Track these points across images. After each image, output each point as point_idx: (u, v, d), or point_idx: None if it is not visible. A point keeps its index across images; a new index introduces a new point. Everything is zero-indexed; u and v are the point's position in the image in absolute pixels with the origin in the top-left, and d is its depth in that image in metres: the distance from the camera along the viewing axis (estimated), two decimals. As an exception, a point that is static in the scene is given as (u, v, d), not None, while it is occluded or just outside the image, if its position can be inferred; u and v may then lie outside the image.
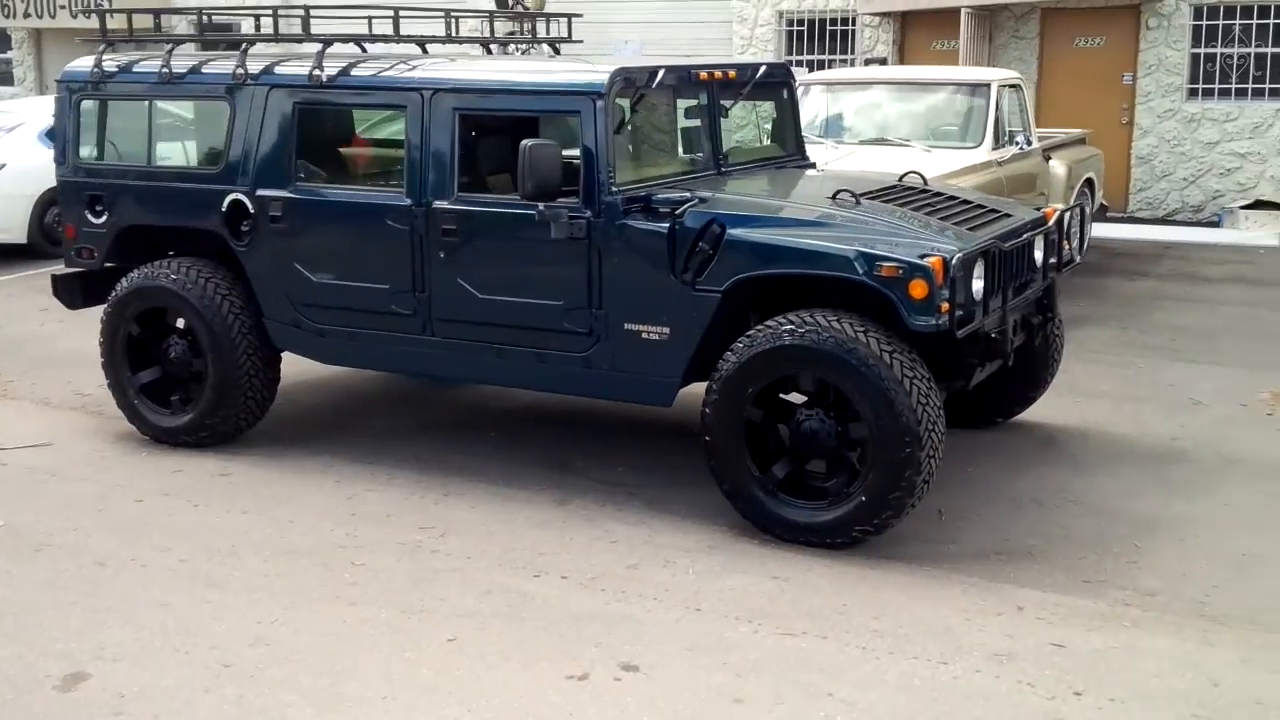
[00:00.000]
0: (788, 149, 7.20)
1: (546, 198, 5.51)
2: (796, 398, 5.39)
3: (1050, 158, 11.02)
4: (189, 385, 6.71)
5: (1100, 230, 12.94)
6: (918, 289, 5.09)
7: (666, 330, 5.61)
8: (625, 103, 5.83)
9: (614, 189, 5.60)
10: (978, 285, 5.40)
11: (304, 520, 5.67)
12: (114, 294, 6.74)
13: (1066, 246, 6.53)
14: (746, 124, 7.67)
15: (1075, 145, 12.06)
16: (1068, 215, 6.38)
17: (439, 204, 5.94)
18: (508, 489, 6.07)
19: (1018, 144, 10.17)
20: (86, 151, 6.90)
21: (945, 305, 5.12)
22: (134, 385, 6.81)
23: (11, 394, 7.82)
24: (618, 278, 5.66)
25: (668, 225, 5.53)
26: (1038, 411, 7.03)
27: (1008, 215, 6.17)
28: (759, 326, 5.36)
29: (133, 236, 6.84)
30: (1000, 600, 4.84)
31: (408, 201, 6.00)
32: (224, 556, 5.26)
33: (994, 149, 9.88)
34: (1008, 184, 9.80)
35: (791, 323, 5.26)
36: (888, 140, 9.99)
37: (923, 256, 5.14)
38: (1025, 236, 5.86)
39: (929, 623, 4.64)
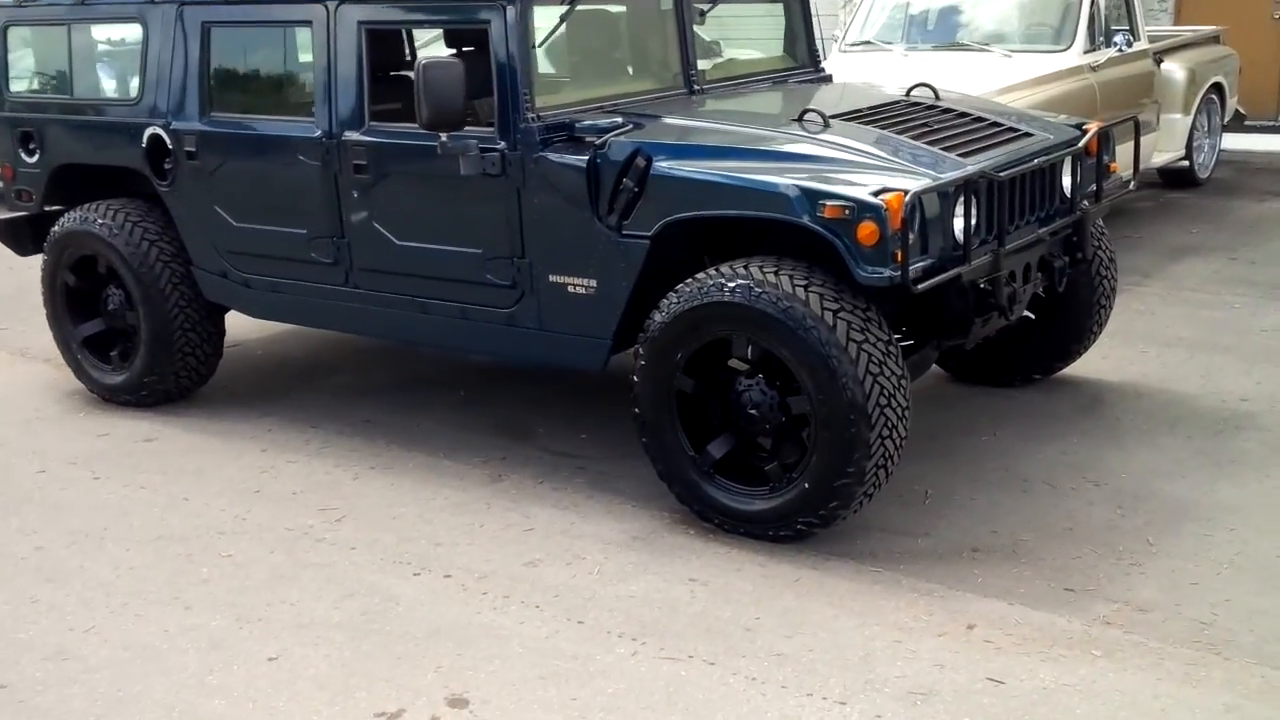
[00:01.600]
0: (798, 59, 6.24)
1: (449, 126, 4.71)
2: (744, 364, 4.52)
3: (1164, 60, 9.67)
4: (130, 340, 6.16)
5: (1236, 142, 11.48)
6: (867, 233, 4.15)
7: (593, 283, 4.79)
8: (552, 9, 4.98)
9: (531, 115, 4.77)
10: (958, 225, 4.43)
11: (201, 498, 5.07)
12: (48, 240, 6.22)
13: (1113, 170, 5.49)
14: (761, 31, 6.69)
15: (1203, 45, 10.62)
16: (1115, 132, 5.32)
17: (350, 135, 5.20)
18: (447, 460, 5.37)
19: (1117, 45, 8.88)
20: (18, 84, 6.37)
21: (901, 253, 4.17)
22: (76, 339, 6.30)
23: (-9, 343, 7.45)
24: (539, 221, 4.85)
25: (587, 158, 4.68)
26: (1089, 364, 6.00)
27: (1027, 135, 5.12)
28: (688, 281, 4.49)
29: (67, 176, 6.30)
30: (949, 615, 3.94)
31: (318, 133, 5.28)
32: (86, 544, 4.69)
33: (1086, 51, 8.63)
34: (1101, 92, 8.57)
35: (721, 276, 4.39)
36: (965, 45, 8.85)
37: (879, 193, 4.19)
38: (1036, 163, 4.82)
39: (847, 646, 3.79)
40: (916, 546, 4.43)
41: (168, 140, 5.73)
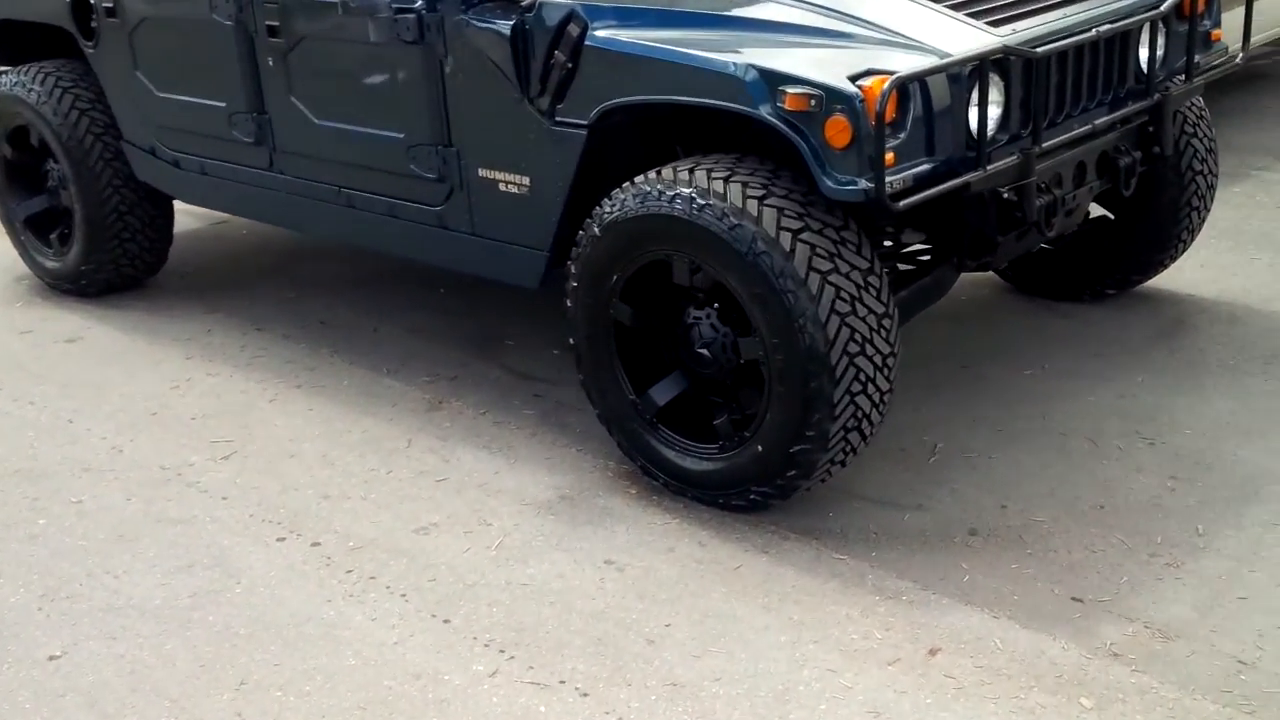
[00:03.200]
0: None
1: (353, -20, 3.82)
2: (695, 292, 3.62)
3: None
4: (69, 223, 5.49)
5: None
6: (837, 131, 3.17)
7: (526, 181, 3.90)
8: None
9: (452, -32, 3.85)
10: (975, 117, 3.41)
11: (86, 421, 4.40)
12: (-19, 107, 5.54)
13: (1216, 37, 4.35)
14: None
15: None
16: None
17: (261, -9, 4.34)
18: (389, 378, 4.61)
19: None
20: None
21: (890, 157, 3.19)
22: (18, 217, 5.66)
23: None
24: (465, 102, 3.96)
25: (513, 22, 3.75)
26: (1181, 274, 4.93)
27: (1095, -5, 4.00)
28: (624, 186, 3.58)
29: (8, 34, 5.57)
30: (911, 632, 3.06)
31: (230, -11, 4.43)
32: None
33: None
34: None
35: (660, 181, 3.47)
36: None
37: (858, 77, 3.19)
38: (1094, 33, 3.73)
39: (765, 676, 2.94)
40: (901, 524, 3.52)
41: (88, -7, 4.95)
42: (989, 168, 3.43)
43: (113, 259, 5.36)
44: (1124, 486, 3.63)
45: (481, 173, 3.98)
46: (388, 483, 3.89)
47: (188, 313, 5.31)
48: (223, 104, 4.63)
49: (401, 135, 4.12)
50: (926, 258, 4.04)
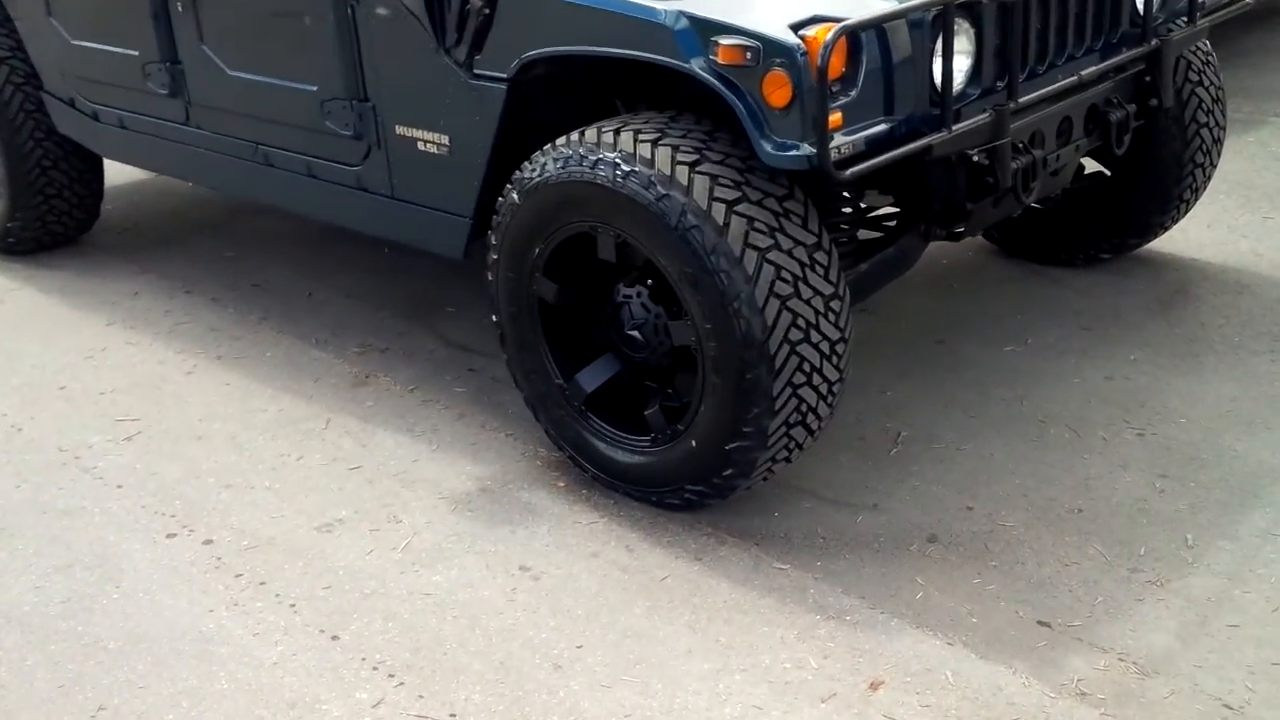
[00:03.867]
0: None
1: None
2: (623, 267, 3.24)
3: None
4: None
5: None
6: (776, 88, 2.78)
7: (446, 140, 3.51)
8: None
9: (362, -98, 3.45)
10: (938, 69, 3.00)
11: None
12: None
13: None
14: None
15: None
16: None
17: (166, -73, 3.95)
18: (317, 349, 4.26)
19: None
20: None
21: (837, 117, 2.80)
22: (-57, 171, 5.30)
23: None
24: (379, 51, 3.57)
25: (427, -36, 3.36)
26: (1186, 235, 4.54)
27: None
28: (546, 148, 3.20)
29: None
30: (852, 661, 2.70)
31: (134, -76, 4.04)
32: None
33: None
34: None
35: (582, 143, 3.08)
36: None
37: (801, 26, 2.79)
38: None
39: (682, 714, 2.59)
40: (853, 528, 3.16)
41: (-3, -69, 4.56)
42: (955, 128, 3.03)
43: (39, 216, 5.01)
44: (1106, 486, 3.26)
45: (399, 130, 3.59)
46: (297, 471, 3.55)
47: (118, 273, 4.96)
48: (136, 53, 4.26)
49: (315, 88, 3.74)
50: (893, 223, 3.64)
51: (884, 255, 3.46)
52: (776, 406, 2.94)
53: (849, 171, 2.81)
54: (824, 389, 3.00)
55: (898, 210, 3.61)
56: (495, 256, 3.33)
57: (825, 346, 2.97)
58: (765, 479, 3.15)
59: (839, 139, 2.81)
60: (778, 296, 2.88)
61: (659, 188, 2.91)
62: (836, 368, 3.01)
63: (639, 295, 3.20)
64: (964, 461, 3.40)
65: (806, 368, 2.94)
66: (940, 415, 3.62)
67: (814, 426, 3.06)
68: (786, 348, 2.90)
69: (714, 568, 3.04)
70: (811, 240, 2.96)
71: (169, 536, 3.28)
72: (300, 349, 4.26)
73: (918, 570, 2.99)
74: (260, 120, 3.97)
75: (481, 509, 3.32)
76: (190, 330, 4.43)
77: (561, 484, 3.40)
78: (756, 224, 2.89)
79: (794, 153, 2.79)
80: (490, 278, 3.38)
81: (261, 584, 3.06)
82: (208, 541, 3.24)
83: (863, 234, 3.62)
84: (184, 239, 5.26)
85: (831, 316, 2.97)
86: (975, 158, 3.17)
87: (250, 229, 5.32)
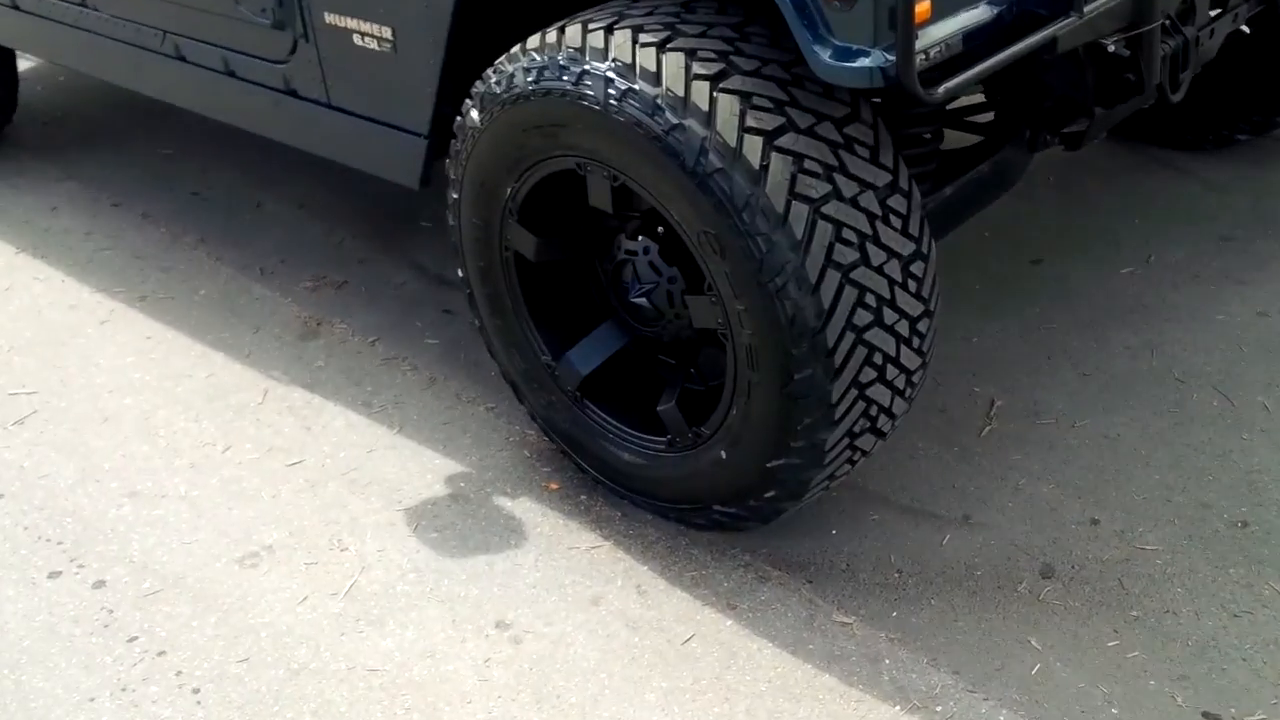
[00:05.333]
0: None
1: None
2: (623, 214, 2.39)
3: None
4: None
5: None
6: (830, -28, 1.89)
7: (388, 32, 2.63)
8: None
9: None
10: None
11: None
12: None
13: None
14: None
15: None
16: None
17: None
18: (260, 284, 3.49)
19: None
20: None
21: (925, 5, 1.92)
22: None
23: None
24: (296, -88, 2.67)
25: None
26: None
27: None
28: (511, 52, 2.32)
29: None
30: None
31: None
32: None
33: None
34: None
35: (562, 48, 2.20)
36: None
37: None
38: None
39: None
40: (938, 554, 2.38)
41: None
42: (1087, 8, 2.13)
43: (-61, 114, 4.18)
44: (1276, 482, 2.44)
45: (329, 18, 2.72)
46: (222, 468, 2.78)
47: (35, 181, 4.14)
48: (15, -83, 3.36)
49: (223, -38, 2.85)
50: (985, 123, 2.76)
51: (976, 174, 2.59)
52: (837, 415, 2.12)
53: (944, 88, 1.93)
54: (900, 382, 2.18)
55: (990, 108, 2.73)
56: (455, 195, 2.49)
57: (904, 327, 2.14)
58: (816, 497, 2.35)
59: (928, 35, 1.93)
60: (838, 267, 2.04)
61: (668, 114, 2.05)
62: (918, 351, 2.19)
63: (646, 253, 2.36)
64: (1081, 446, 2.59)
65: (878, 359, 2.12)
66: (1044, 374, 2.80)
67: (885, 429, 2.25)
68: (850, 336, 2.07)
69: (754, 622, 2.27)
70: (885, 180, 2.11)
71: (51, 576, 2.53)
72: (240, 284, 3.46)
73: (1030, 624, 2.21)
74: (168, 3, 3.09)
75: (450, 528, 2.55)
76: (112, 260, 3.63)
77: (554, 486, 2.63)
78: (807, 164, 2.03)
79: (862, 62, 1.92)
80: (451, 222, 2.54)
81: (160, 654, 2.32)
82: (99, 584, 2.49)
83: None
84: (116, 132, 4.41)
85: (912, 285, 2.14)
86: (1111, 48, 2.27)
87: (194, 118, 4.43)
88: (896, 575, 2.34)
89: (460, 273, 2.60)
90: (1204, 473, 2.49)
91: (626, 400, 2.51)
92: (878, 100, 2.24)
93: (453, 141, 2.46)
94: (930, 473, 2.56)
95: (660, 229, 2.34)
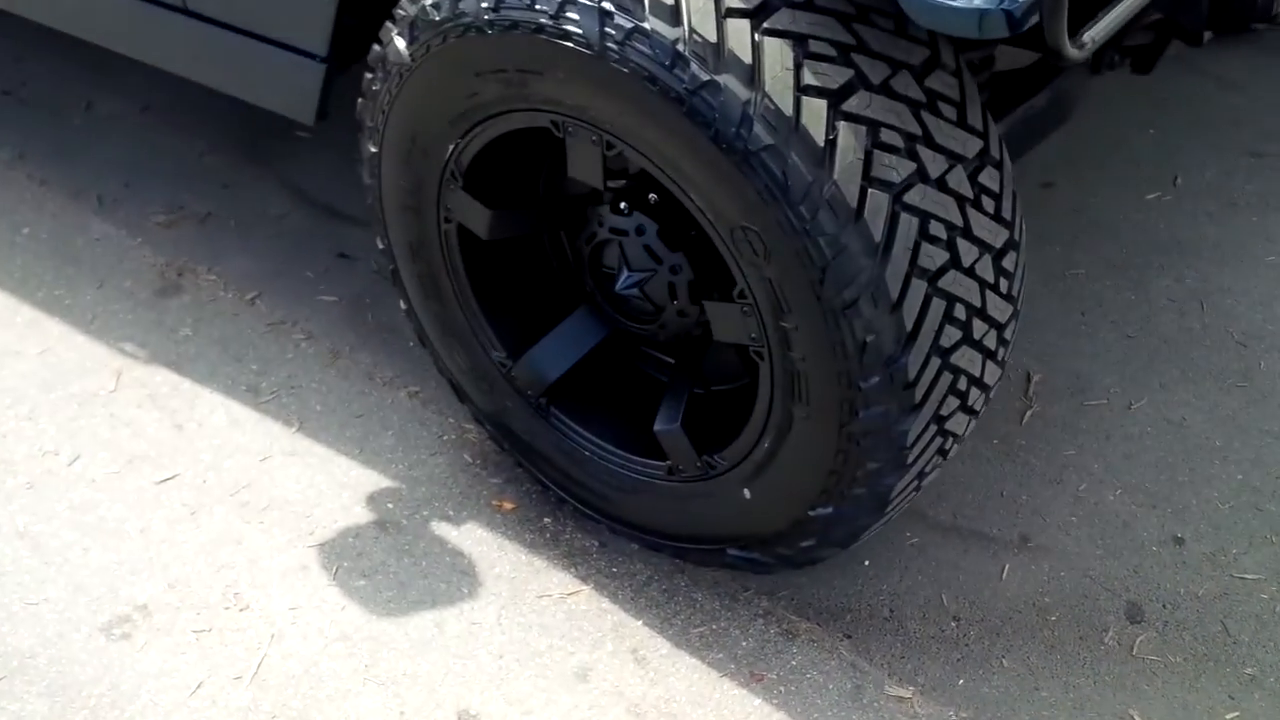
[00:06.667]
0: None
1: None
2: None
3: None
4: None
5: None
6: None
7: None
8: None
9: None
10: None
11: None
12: None
13: None
14: None
15: None
16: None
17: None
18: (98, 217, 2.79)
19: None
20: None
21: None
22: None
23: None
24: None
25: None
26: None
27: None
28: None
29: None
30: None
31: None
32: None
33: None
34: None
35: (530, -38, 1.59)
36: None
37: None
38: None
39: None
40: (998, 592, 1.94)
41: None
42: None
43: None
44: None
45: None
46: (70, 489, 2.17)
47: None
48: None
49: None
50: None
51: (1032, 105, 2.06)
52: (910, 459, 1.63)
53: (1088, 35, 1.40)
54: (980, 403, 1.69)
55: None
56: (373, 149, 1.88)
57: (991, 339, 1.64)
58: (861, 540, 1.87)
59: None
60: (924, 274, 1.52)
61: (694, 65, 1.47)
62: (1001, 363, 1.70)
63: (640, 233, 1.80)
64: (1143, 435, 2.15)
65: (963, 384, 1.62)
66: (1082, 337, 2.34)
67: (951, 453, 1.76)
68: (936, 362, 1.57)
69: (787, 699, 1.80)
70: (975, 148, 1.58)
71: None
72: (74, 218, 2.77)
73: (1128, 689, 1.79)
74: None
75: (381, 571, 2.00)
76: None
77: (509, 505, 2.09)
78: (884, 135, 1.49)
79: (976, 1, 1.37)
80: (368, 181, 1.93)
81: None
82: (-75, 665, 1.90)
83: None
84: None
85: (1004, 284, 1.64)
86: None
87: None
88: (954, 625, 1.89)
89: (380, 244, 2.00)
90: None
91: (606, 405, 1.97)
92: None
93: (367, 76, 1.84)
94: (971, 477, 2.10)
95: (653, 196, 1.78)
